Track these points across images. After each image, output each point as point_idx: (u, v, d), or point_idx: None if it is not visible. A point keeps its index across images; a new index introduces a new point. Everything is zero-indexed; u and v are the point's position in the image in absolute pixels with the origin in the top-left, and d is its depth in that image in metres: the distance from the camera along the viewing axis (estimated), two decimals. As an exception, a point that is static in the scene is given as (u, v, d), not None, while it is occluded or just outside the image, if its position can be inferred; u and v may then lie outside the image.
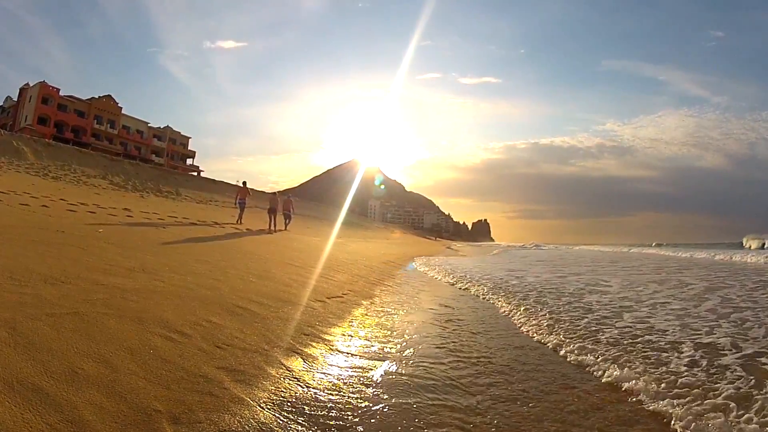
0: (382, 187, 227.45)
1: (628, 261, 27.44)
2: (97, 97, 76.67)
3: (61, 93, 71.15)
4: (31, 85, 69.95)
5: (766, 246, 48.57)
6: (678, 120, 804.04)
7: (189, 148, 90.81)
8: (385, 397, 4.29)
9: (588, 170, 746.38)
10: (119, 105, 79.30)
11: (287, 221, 28.85)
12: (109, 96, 78.69)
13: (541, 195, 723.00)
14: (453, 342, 6.50)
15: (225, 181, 71.19)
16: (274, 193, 29.88)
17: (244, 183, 28.88)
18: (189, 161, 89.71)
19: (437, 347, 6.16)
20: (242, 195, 27.73)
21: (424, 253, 36.13)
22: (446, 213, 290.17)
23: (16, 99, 71.32)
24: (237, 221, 26.20)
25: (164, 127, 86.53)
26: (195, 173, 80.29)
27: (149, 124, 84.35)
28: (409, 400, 4.26)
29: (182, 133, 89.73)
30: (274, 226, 26.42)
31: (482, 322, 8.18)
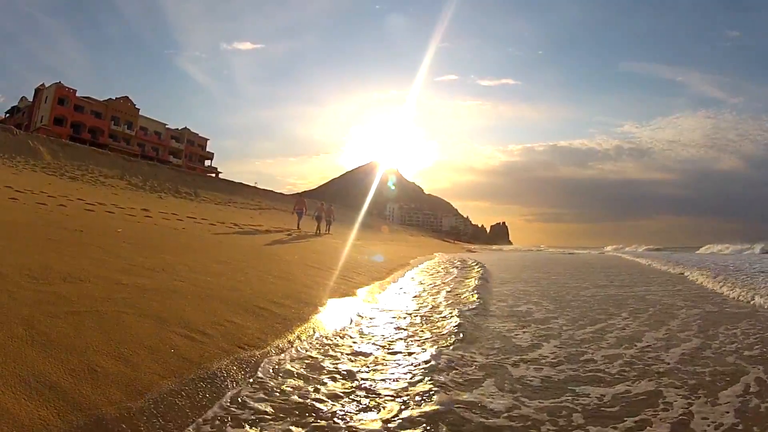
0: (393, 188, 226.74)
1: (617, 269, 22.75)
2: (114, 98, 77.21)
3: (78, 94, 71.65)
4: (46, 85, 70.54)
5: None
6: (695, 122, 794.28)
7: (207, 149, 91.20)
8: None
9: (606, 173, 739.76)
10: (136, 106, 79.92)
11: (328, 226, 32.03)
12: (127, 97, 79.13)
13: (560, 198, 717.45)
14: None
15: (244, 182, 71.40)
16: (322, 203, 33.45)
17: (301, 195, 35.82)
18: (207, 163, 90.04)
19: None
20: (300, 206, 31.69)
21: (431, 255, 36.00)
22: (465, 216, 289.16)
23: (31, 99, 71.93)
24: (297, 227, 29.65)
25: (182, 129, 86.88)
26: (213, 175, 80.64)
27: (167, 126, 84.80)
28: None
29: (200, 135, 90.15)
30: (320, 230, 29.85)
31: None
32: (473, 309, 8.60)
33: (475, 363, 5.27)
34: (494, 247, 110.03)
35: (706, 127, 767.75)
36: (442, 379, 4.53)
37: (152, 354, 3.97)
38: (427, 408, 3.78)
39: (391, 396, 4.05)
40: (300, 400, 3.82)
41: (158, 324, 4.72)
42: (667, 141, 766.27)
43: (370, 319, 7.45)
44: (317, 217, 30.73)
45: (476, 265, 19.96)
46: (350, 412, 3.68)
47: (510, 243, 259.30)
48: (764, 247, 47.56)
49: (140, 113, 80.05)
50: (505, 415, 3.81)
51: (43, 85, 70.75)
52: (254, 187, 71.60)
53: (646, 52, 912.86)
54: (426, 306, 9.03)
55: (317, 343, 5.54)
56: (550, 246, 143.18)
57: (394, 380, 4.49)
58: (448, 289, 11.57)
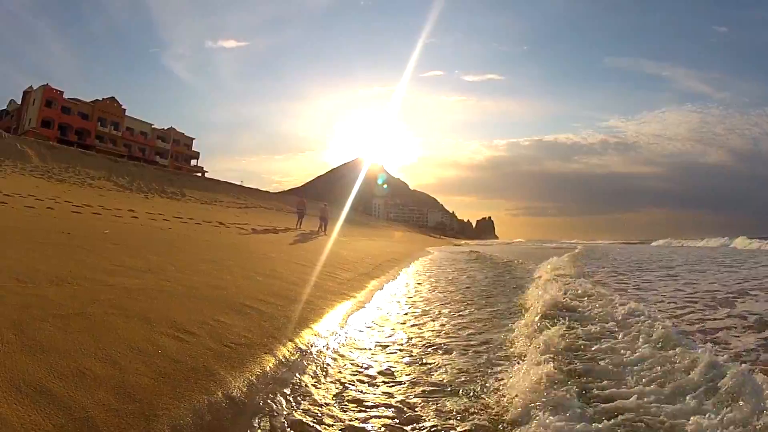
0: (385, 186, 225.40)
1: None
2: (100, 99, 76.29)
3: (65, 95, 70.89)
4: (34, 88, 69.70)
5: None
6: (681, 116, 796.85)
7: (193, 148, 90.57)
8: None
9: (592, 167, 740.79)
10: (123, 106, 79.13)
11: (325, 224, 33.08)
12: (113, 98, 78.34)
13: (545, 192, 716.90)
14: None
15: (230, 181, 71.34)
16: (325, 204, 34.75)
17: (302, 196, 39.77)
18: (193, 162, 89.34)
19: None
20: (301, 205, 34.90)
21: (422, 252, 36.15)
22: (450, 211, 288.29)
23: (19, 102, 71.26)
24: (297, 225, 32.20)
25: (168, 129, 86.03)
26: (199, 174, 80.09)
27: (153, 126, 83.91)
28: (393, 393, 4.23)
29: (186, 134, 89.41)
30: (324, 229, 31.28)
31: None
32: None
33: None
34: (473, 242, 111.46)
35: (692, 121, 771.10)
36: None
37: (140, 355, 4.03)
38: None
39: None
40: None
41: (145, 325, 4.77)
42: (653, 135, 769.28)
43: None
44: (321, 217, 32.39)
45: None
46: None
47: (496, 237, 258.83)
48: (726, 242, 48.22)
49: (126, 113, 79.32)
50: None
51: (31, 87, 70.03)
52: (239, 185, 71.58)
53: (631, 47, 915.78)
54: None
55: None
56: (528, 240, 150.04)
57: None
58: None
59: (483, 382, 4.61)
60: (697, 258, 23.70)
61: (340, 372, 4.86)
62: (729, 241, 48.21)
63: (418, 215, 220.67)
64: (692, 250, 37.48)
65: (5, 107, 75.07)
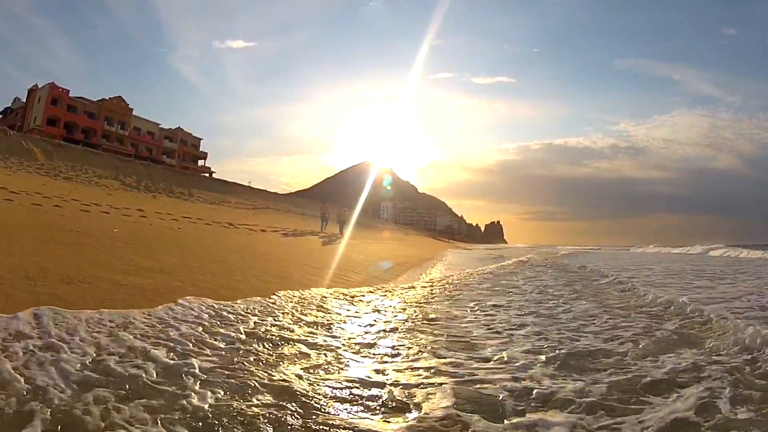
0: (389, 188, 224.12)
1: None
2: (107, 98, 76.37)
3: (71, 94, 70.67)
4: (39, 86, 69.72)
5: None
6: (692, 120, 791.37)
7: (201, 149, 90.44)
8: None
9: (602, 171, 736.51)
10: (130, 106, 79.06)
11: (342, 227, 35.33)
12: (120, 97, 78.04)
13: (555, 196, 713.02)
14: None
15: (237, 182, 71.39)
16: (344, 209, 38.09)
17: (324, 202, 43.94)
18: (201, 162, 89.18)
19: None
20: (323, 210, 37.42)
21: (432, 255, 36.04)
22: (459, 215, 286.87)
23: (24, 100, 71.14)
24: (321, 229, 34.32)
25: (175, 129, 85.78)
26: (207, 174, 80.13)
27: (160, 125, 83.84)
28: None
29: (194, 135, 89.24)
30: (342, 232, 33.44)
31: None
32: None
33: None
34: (481, 246, 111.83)
35: (702, 125, 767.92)
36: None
37: (156, 356, 3.90)
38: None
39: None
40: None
41: (160, 325, 4.66)
42: (664, 139, 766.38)
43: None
44: (339, 221, 35.11)
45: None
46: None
47: (505, 242, 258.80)
48: (711, 247, 47.92)
49: (133, 113, 79.36)
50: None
51: (36, 85, 69.81)
52: (248, 186, 71.65)
53: (641, 49, 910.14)
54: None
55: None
56: (530, 245, 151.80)
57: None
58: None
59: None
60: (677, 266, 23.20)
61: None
62: (724, 248, 47.98)
63: (426, 219, 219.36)
64: (675, 257, 37.49)
65: (9, 105, 75.14)
